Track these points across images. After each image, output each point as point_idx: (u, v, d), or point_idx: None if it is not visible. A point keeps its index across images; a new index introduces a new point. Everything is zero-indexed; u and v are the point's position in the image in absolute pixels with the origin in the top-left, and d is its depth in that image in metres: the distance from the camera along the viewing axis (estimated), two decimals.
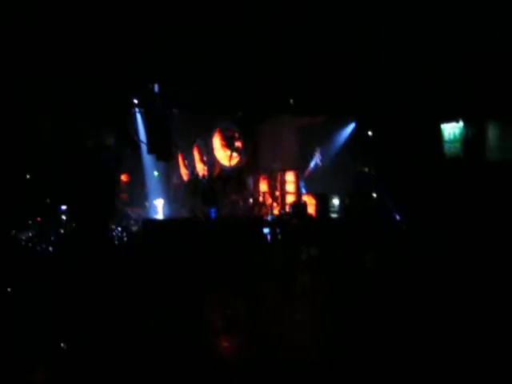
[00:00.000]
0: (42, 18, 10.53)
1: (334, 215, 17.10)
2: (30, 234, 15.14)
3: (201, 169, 24.21)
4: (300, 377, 5.84)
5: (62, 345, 6.12)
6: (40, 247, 13.31)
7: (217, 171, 23.16)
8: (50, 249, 13.22)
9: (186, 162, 25.34)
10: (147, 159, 20.82)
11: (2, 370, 5.49)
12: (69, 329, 6.84)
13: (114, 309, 7.93)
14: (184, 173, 25.64)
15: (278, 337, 7.51)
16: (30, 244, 13.77)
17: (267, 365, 6.23)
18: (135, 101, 16.88)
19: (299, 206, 17.93)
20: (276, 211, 19.70)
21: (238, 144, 22.19)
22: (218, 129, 22.83)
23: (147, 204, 23.05)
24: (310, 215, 17.19)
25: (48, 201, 18.14)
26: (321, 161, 18.90)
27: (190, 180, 23.79)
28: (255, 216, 18.69)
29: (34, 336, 6.55)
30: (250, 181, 22.82)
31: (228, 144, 22.54)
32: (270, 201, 20.83)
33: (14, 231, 14.77)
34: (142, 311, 8.11)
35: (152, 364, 5.85)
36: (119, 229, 16.28)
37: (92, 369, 5.73)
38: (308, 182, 19.46)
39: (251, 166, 22.34)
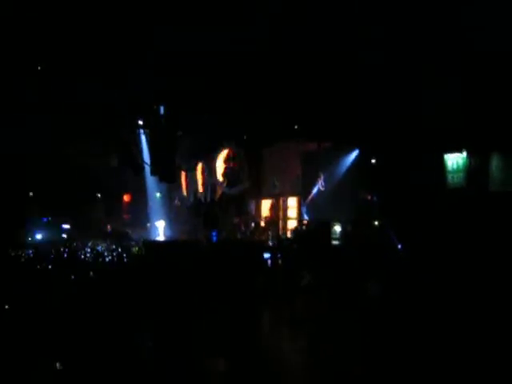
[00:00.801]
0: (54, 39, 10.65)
1: (335, 242, 17.03)
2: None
3: (203, 191, 24.20)
4: None
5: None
6: None
7: (219, 194, 23.16)
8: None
9: (189, 183, 25.37)
10: (150, 180, 20.86)
11: None
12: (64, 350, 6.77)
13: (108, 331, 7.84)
14: (186, 195, 25.65)
15: (273, 361, 7.46)
16: None
17: None
18: (140, 122, 16.99)
19: (301, 231, 17.87)
20: (277, 236, 19.63)
21: (241, 168, 22.21)
22: (222, 152, 22.88)
23: (149, 225, 23.02)
24: (312, 241, 17.11)
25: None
26: (323, 186, 18.90)
27: (192, 202, 23.79)
28: (256, 240, 18.64)
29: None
30: (252, 205, 22.79)
31: (232, 167, 22.57)
32: (271, 226, 20.77)
33: None
34: (137, 334, 8.04)
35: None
36: (119, 250, 16.26)
37: None
38: (310, 208, 19.43)
39: (254, 189, 22.33)
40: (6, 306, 8.97)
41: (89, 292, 10.30)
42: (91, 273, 12.42)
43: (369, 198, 16.70)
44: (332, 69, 12.40)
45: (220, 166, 23.06)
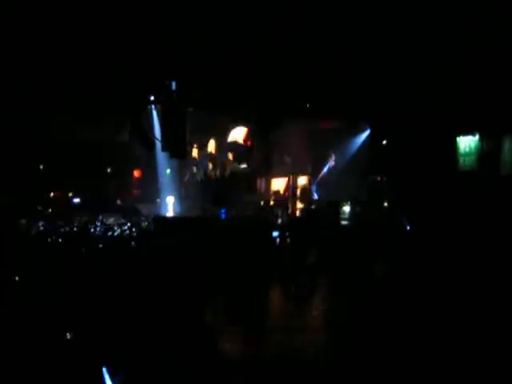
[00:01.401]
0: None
1: (344, 222, 17.06)
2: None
3: (213, 168, 24.20)
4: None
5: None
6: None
7: (229, 172, 23.16)
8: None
9: (200, 160, 25.35)
10: (161, 156, 20.85)
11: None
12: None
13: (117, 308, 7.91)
14: (197, 171, 25.64)
15: (280, 339, 7.55)
16: None
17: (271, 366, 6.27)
18: (151, 97, 16.96)
19: (310, 210, 17.90)
20: (287, 215, 19.67)
21: (252, 146, 22.18)
22: (233, 129, 22.83)
23: (158, 200, 23.09)
24: (321, 221, 17.15)
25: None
26: (333, 166, 18.91)
27: (202, 179, 23.81)
28: (265, 218, 18.66)
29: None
30: (262, 183, 22.80)
31: (242, 145, 22.54)
32: (280, 204, 20.79)
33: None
34: (147, 311, 8.10)
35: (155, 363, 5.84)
36: (129, 224, 16.36)
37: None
38: (320, 187, 19.44)
39: (264, 168, 22.31)
40: (16, 278, 9.08)
41: (99, 264, 10.40)
42: (100, 245, 12.55)
43: (379, 178, 16.68)
44: (345, 48, 12.34)
45: (231, 143, 23.02)
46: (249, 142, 22.09)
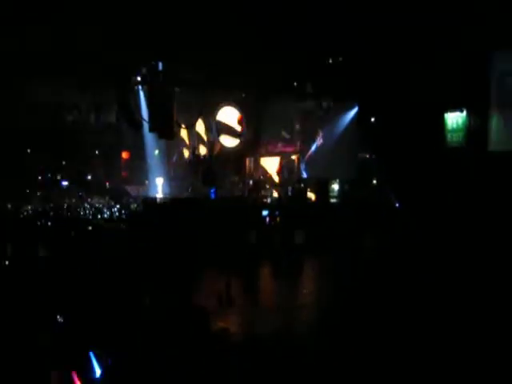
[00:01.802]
0: None
1: (333, 200, 17.12)
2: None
3: (202, 148, 24.12)
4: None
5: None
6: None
7: (217, 151, 23.10)
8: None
9: (189, 140, 25.22)
10: (149, 137, 20.72)
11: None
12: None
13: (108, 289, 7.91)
14: (186, 151, 25.54)
15: (271, 317, 7.63)
16: None
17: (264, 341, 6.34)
18: (138, 78, 16.81)
19: (299, 189, 17.93)
20: (275, 194, 19.70)
21: (240, 125, 22.12)
22: (220, 108, 22.73)
23: (147, 182, 23.01)
24: (310, 199, 17.21)
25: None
26: (322, 144, 18.90)
27: (190, 159, 23.74)
28: (254, 198, 18.69)
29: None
30: (251, 162, 22.79)
31: (230, 124, 22.47)
32: (269, 183, 20.81)
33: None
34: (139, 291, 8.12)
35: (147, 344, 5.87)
36: (118, 206, 16.32)
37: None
38: (309, 166, 19.44)
39: (252, 147, 22.27)
40: (6, 262, 9.05)
41: (88, 247, 10.39)
42: (89, 227, 12.53)
43: (367, 156, 16.70)
44: (334, 28, 12.28)
45: (218, 122, 22.93)
46: (242, 125, 22.04)
